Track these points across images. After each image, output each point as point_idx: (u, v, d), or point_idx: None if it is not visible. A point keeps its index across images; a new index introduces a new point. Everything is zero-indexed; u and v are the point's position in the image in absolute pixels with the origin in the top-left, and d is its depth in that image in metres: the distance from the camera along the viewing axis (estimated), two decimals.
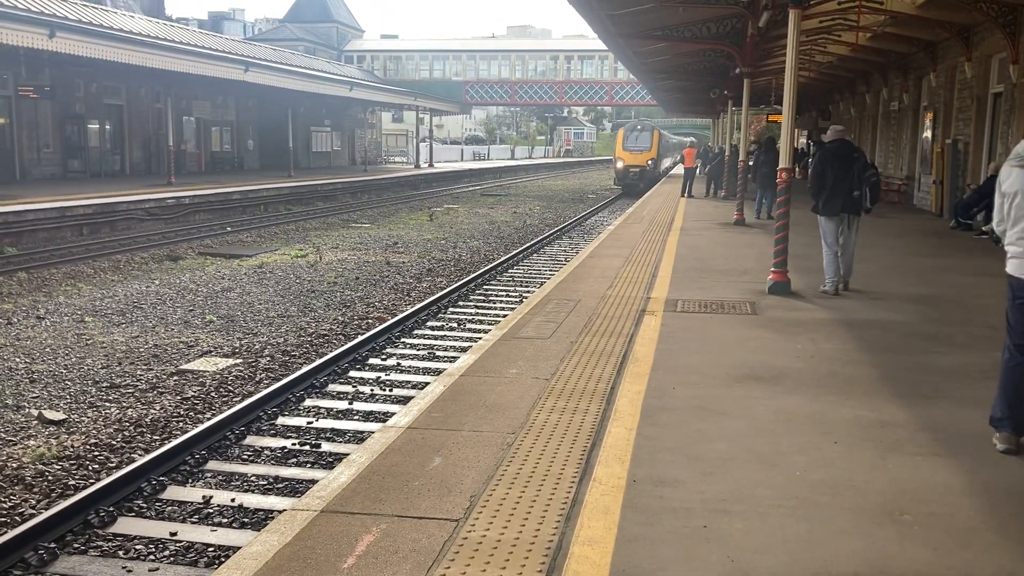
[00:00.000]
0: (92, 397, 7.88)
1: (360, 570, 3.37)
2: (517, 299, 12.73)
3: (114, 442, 6.71)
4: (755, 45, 17.11)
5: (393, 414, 6.40)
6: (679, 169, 43.43)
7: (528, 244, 19.47)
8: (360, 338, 9.65)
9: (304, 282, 14.28)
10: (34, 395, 7.88)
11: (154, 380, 8.42)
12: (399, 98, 47.53)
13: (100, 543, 5.06)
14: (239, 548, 4.13)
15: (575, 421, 5.15)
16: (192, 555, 4.94)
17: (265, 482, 5.98)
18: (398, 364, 9.05)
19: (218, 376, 8.57)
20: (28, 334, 10.21)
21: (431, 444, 4.76)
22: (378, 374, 8.65)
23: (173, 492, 5.78)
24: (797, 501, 4.02)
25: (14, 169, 27.65)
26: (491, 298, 13.03)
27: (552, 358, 6.64)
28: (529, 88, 58.89)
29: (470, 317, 11.49)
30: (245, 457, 6.46)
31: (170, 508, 5.55)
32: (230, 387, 8.24)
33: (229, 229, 21.77)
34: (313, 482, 5.71)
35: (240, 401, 7.66)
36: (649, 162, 37.76)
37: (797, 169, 29.54)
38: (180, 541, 5.08)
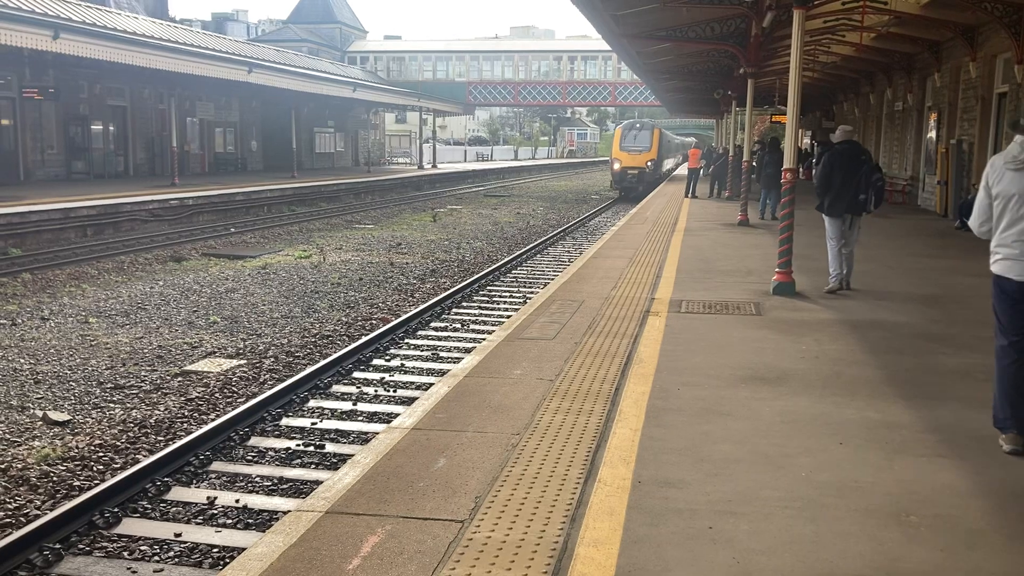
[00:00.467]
0: (96, 398, 7.88)
1: (365, 571, 3.37)
2: (521, 300, 12.72)
3: (118, 443, 6.72)
4: (759, 45, 17.11)
5: (398, 415, 6.40)
6: (681, 170, 43.22)
7: (531, 245, 19.46)
8: (364, 339, 9.65)
9: (308, 283, 14.28)
10: (39, 396, 7.89)
11: (158, 381, 8.42)
12: (402, 99, 47.57)
13: (105, 544, 5.07)
14: (244, 549, 4.13)
15: (580, 422, 5.14)
16: (197, 556, 4.94)
17: (270, 483, 5.98)
18: (402, 365, 9.04)
19: (222, 377, 8.57)
20: (32, 335, 10.23)
21: (436, 445, 4.76)
22: (382, 375, 8.65)
23: (178, 493, 5.78)
24: (803, 502, 4.01)
25: (18, 170, 27.70)
26: (495, 299, 13.03)
27: (556, 359, 6.63)
28: (532, 89, 58.90)
29: (474, 318, 11.49)
30: (249, 458, 6.46)
31: (175, 509, 5.55)
32: (234, 388, 8.24)
33: (233, 230, 21.79)
34: (318, 483, 5.72)
35: (244, 402, 7.66)
36: (649, 163, 34.52)
37: (801, 170, 29.46)
38: (185, 542, 5.08)
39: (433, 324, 11.08)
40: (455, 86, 58.11)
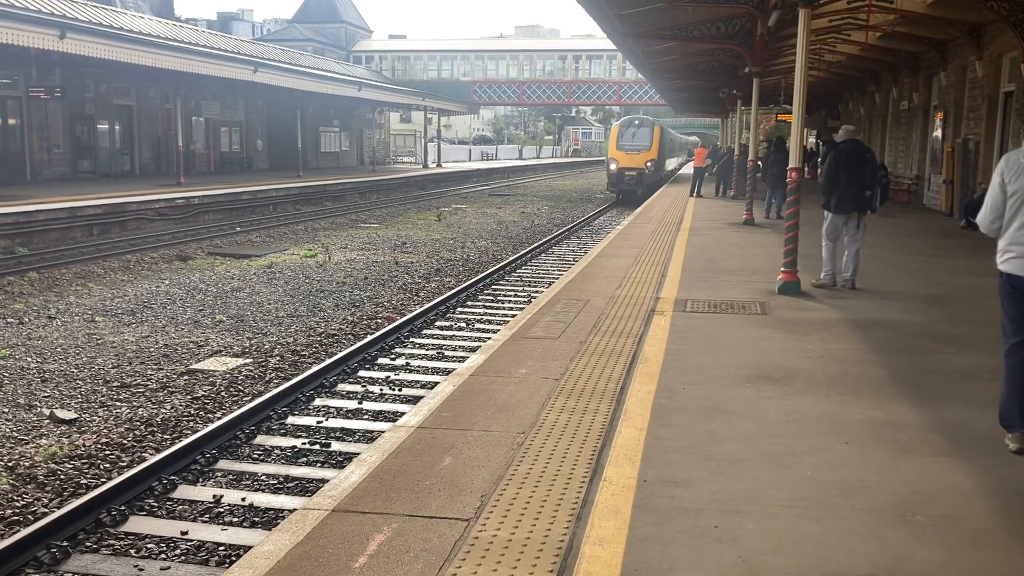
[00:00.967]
0: (103, 396, 7.91)
1: (372, 569, 3.38)
2: (526, 299, 12.72)
3: (125, 441, 6.74)
4: (764, 44, 17.08)
5: (403, 413, 6.42)
6: (686, 170, 42.93)
7: (536, 244, 19.46)
8: (369, 338, 9.67)
9: (313, 282, 14.31)
10: (46, 394, 7.92)
11: (164, 380, 8.45)
12: (407, 98, 47.57)
13: (112, 542, 5.08)
14: (250, 547, 4.15)
15: (585, 421, 5.15)
16: (203, 554, 4.96)
17: (276, 481, 6.00)
18: (407, 364, 9.05)
19: (228, 376, 8.59)
20: (39, 334, 10.26)
21: (441, 444, 4.77)
22: (387, 373, 8.66)
23: (184, 491, 5.80)
24: (808, 502, 4.01)
25: (25, 170, 27.78)
26: (500, 298, 13.04)
27: (561, 358, 6.64)
28: (537, 88, 58.85)
29: (479, 317, 11.50)
30: (255, 456, 6.48)
31: (181, 507, 5.57)
32: (240, 386, 8.26)
33: (238, 229, 21.83)
34: (324, 481, 5.74)
35: (250, 400, 7.67)
36: (648, 164, 30.97)
37: (806, 169, 29.39)
38: (191, 540, 5.10)
39: (438, 323, 11.10)
40: (460, 85, 58.09)
